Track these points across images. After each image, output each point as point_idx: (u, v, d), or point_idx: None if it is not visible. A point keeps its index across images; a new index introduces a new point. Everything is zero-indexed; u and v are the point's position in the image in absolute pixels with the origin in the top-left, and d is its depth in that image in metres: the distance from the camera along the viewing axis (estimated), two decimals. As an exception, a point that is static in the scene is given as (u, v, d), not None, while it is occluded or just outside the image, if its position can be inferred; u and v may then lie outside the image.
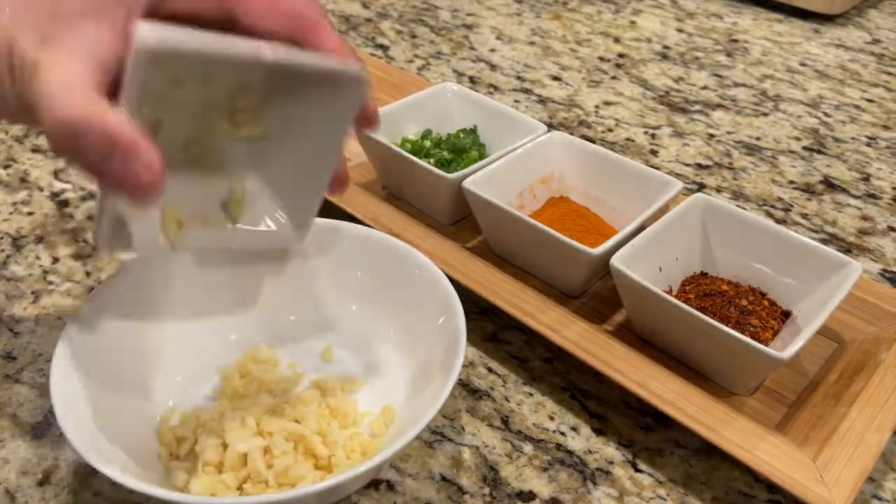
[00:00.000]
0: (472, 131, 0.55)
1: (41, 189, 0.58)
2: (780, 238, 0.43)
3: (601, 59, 0.82)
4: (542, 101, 0.73)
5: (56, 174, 0.59)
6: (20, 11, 0.28)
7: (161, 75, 0.28)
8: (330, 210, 0.56)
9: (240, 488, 0.35)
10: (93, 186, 0.58)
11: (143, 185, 0.26)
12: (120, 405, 0.36)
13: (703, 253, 0.46)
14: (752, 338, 0.39)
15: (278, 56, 0.30)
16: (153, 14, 0.29)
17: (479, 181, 0.46)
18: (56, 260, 0.51)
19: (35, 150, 0.62)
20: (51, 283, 0.49)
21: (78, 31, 0.27)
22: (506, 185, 0.48)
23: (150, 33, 0.26)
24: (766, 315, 0.42)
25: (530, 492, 0.38)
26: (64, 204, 0.56)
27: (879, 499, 0.38)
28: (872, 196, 0.61)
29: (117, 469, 0.31)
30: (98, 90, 0.27)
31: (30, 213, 0.55)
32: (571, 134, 0.54)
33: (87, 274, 0.50)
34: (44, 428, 0.40)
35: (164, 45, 0.27)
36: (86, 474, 0.38)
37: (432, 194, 0.49)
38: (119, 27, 0.28)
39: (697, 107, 0.73)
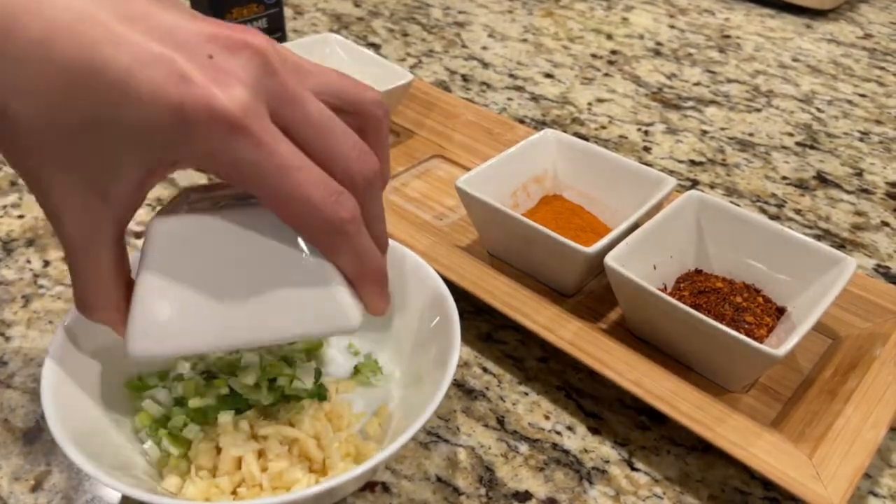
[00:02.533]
0: None
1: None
2: (774, 234, 0.43)
3: (594, 56, 0.81)
4: (535, 98, 0.73)
5: (46, 177, 0.59)
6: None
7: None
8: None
9: (234, 492, 0.35)
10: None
11: None
12: (113, 409, 0.36)
13: (697, 250, 0.46)
14: (747, 335, 0.39)
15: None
16: None
17: (473, 180, 0.46)
18: (47, 263, 0.51)
19: (25, 152, 0.62)
20: (42, 286, 0.49)
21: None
22: (499, 184, 0.48)
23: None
24: (761, 312, 0.42)
25: (526, 492, 0.38)
26: (54, 207, 0.56)
27: (876, 495, 0.38)
28: (865, 191, 0.61)
29: (110, 474, 0.30)
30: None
31: (20, 217, 0.55)
32: (564, 132, 0.54)
33: (79, 277, 0.50)
34: (36, 433, 0.40)
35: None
36: (79, 480, 0.38)
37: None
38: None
39: (690, 103, 0.73)
